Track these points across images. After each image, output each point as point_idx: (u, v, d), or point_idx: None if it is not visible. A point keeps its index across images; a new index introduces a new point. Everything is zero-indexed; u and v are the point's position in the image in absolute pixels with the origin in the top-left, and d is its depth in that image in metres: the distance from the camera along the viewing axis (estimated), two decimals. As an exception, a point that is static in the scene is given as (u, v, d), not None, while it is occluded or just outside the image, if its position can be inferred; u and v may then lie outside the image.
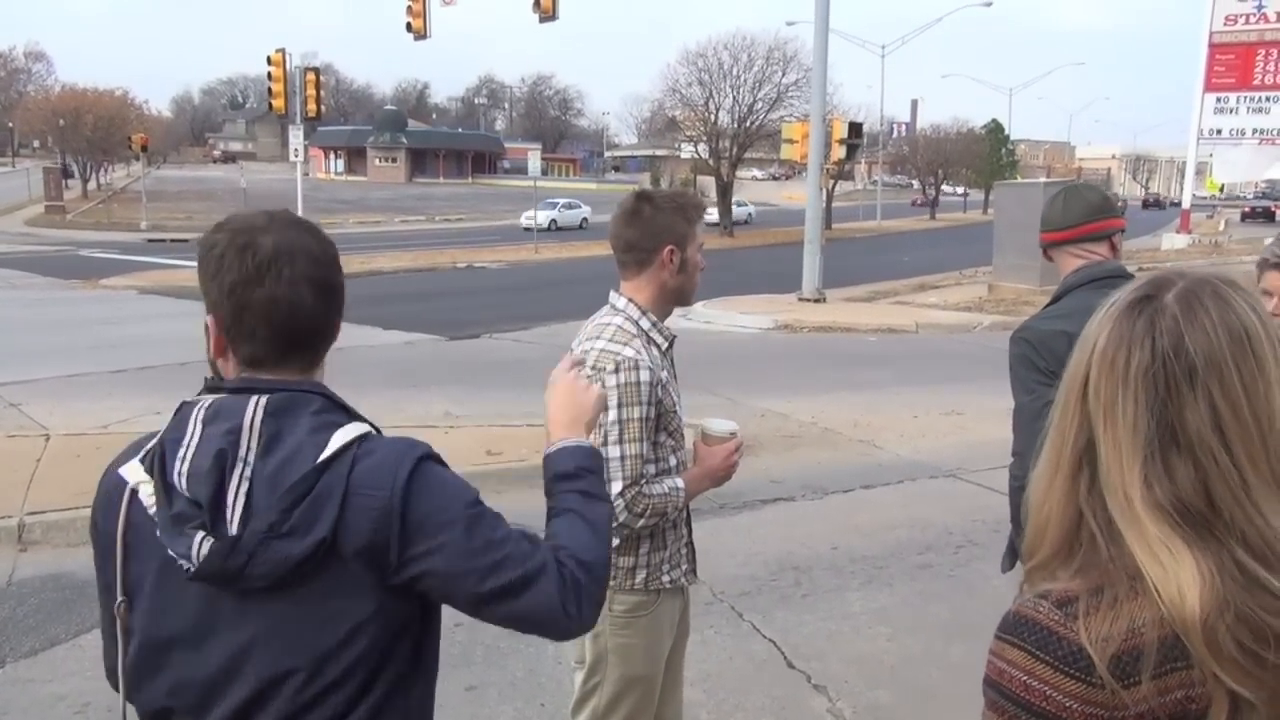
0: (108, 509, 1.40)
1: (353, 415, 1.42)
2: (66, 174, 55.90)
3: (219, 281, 1.38)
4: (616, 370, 2.35)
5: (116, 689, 1.44)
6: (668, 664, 2.63)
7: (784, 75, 37.01)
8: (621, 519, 2.35)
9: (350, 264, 25.51)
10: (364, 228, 42.91)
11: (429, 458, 1.39)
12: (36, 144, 72.97)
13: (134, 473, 1.37)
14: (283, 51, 25.26)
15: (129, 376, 10.95)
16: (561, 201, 48.05)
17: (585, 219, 46.35)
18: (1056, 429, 1.10)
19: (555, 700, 3.88)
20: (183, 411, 1.38)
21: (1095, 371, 1.07)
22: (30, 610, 4.76)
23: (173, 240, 36.64)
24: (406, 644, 1.40)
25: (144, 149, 43.30)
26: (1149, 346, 1.04)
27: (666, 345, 2.52)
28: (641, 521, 2.38)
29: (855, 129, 22.47)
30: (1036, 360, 2.53)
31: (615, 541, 2.42)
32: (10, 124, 78.36)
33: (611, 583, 2.44)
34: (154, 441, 1.38)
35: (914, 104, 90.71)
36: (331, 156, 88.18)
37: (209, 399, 1.38)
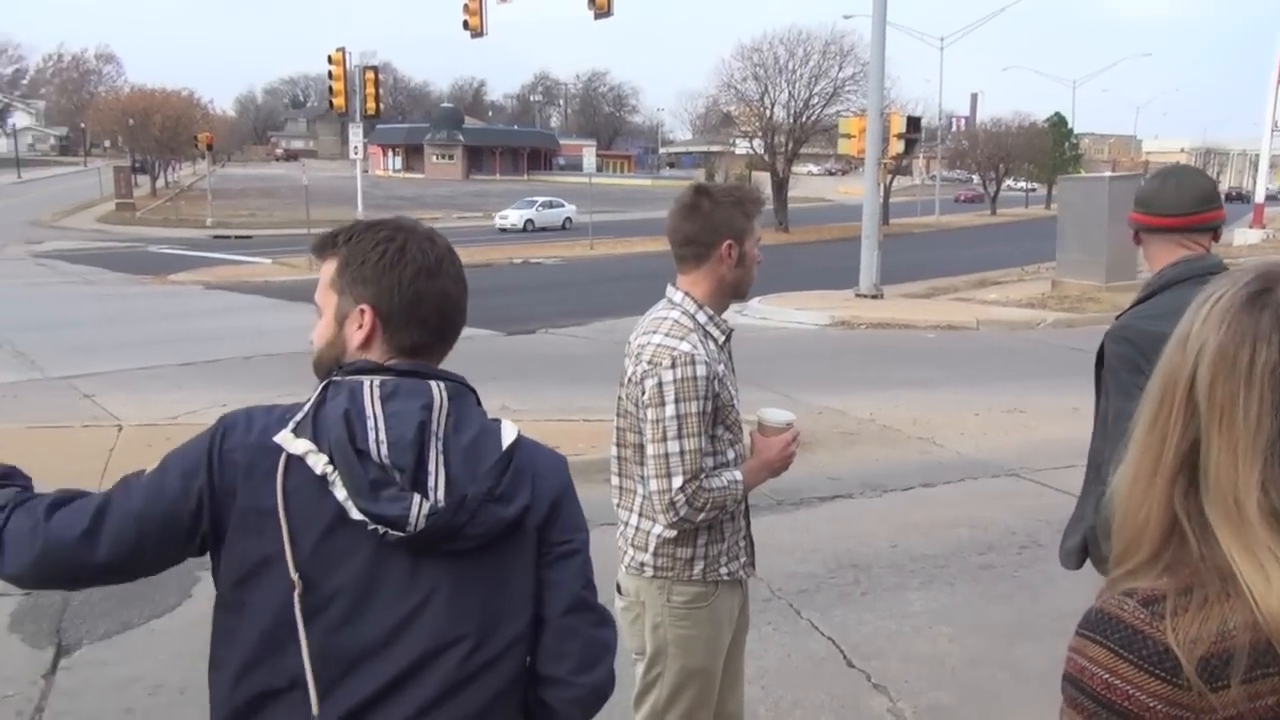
0: (249, 480, 1.40)
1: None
2: (137, 170, 57.40)
3: (397, 272, 1.49)
4: (673, 365, 2.34)
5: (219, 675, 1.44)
6: (728, 658, 2.62)
7: (841, 69, 36.69)
8: (682, 514, 2.35)
9: (408, 260, 25.76)
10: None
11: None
12: (107, 143, 75.11)
13: (294, 443, 1.39)
14: (343, 51, 25.69)
15: (196, 370, 11.23)
16: (540, 200, 45.11)
17: (569, 219, 43.29)
18: (1153, 430, 1.06)
19: (615, 690, 3.89)
20: (339, 388, 1.43)
21: (1208, 371, 1.02)
22: (105, 594, 4.90)
23: (236, 237, 37.49)
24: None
25: (209, 147, 44.41)
26: (1278, 343, 1.00)
27: (724, 338, 2.52)
28: (702, 516, 2.37)
29: (913, 123, 22.15)
30: (1140, 363, 2.38)
31: (673, 534, 2.42)
32: (83, 124, 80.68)
33: (669, 573, 2.45)
34: (301, 414, 1.41)
35: (974, 97, 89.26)
36: (390, 154, 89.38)
37: (376, 379, 1.44)
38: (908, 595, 5.02)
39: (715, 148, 65.82)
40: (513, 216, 41.50)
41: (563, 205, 44.61)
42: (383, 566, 1.40)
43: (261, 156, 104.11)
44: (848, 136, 21.46)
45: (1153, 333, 2.37)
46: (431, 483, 1.40)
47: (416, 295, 1.50)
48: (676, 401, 2.33)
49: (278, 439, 1.41)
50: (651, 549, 2.45)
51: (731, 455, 2.48)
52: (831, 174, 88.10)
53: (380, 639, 1.40)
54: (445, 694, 1.42)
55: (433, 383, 1.48)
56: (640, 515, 2.49)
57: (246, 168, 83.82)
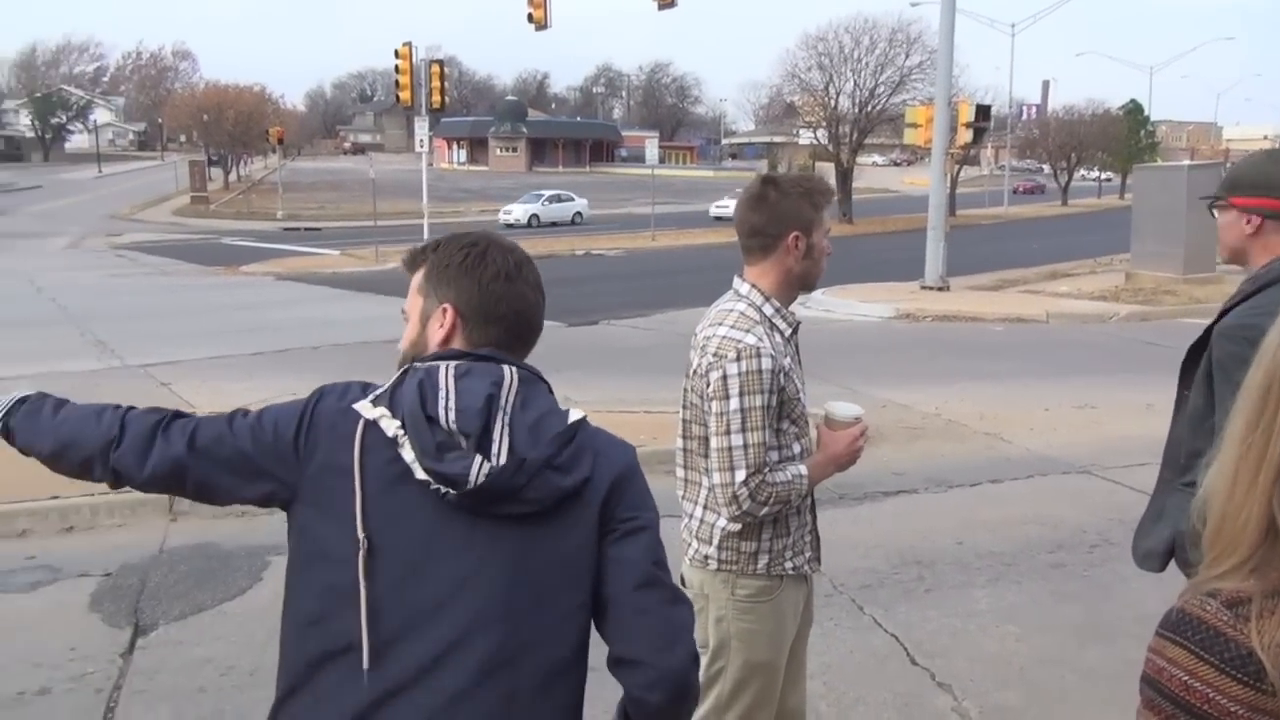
0: (330, 437, 1.51)
1: None
2: (213, 164, 58.80)
3: (477, 274, 1.61)
4: (738, 358, 2.32)
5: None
6: (791, 653, 2.60)
7: (907, 58, 36.15)
8: (745, 507, 2.33)
9: (472, 252, 26.07)
10: (486, 216, 43.80)
11: None
12: (183, 138, 77.24)
13: (370, 409, 1.51)
14: (409, 45, 26.03)
15: (267, 359, 11.50)
16: (547, 194, 43.16)
17: (579, 214, 41.60)
18: (1256, 430, 1.02)
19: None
20: (418, 371, 1.54)
21: None
22: (180, 577, 5.05)
23: (306, 229, 38.26)
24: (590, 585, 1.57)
25: (280, 142, 45.38)
26: None
27: (790, 331, 2.49)
28: (765, 509, 2.35)
29: (983, 112, 21.69)
30: None
31: (737, 527, 2.40)
32: (159, 120, 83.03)
33: (734, 567, 2.44)
34: (381, 389, 1.53)
35: (1045, 85, 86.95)
36: (454, 147, 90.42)
37: (450, 363, 1.55)
38: (973, 593, 4.93)
39: (778, 138, 65.35)
40: (516, 211, 40.21)
41: (572, 199, 42.83)
42: (442, 529, 1.47)
43: (330, 150, 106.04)
44: (914, 126, 21.11)
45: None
46: (495, 449, 1.47)
47: (495, 296, 1.60)
48: (741, 395, 2.31)
49: (356, 405, 1.52)
50: (716, 542, 2.44)
51: (797, 449, 2.45)
52: (897, 164, 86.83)
53: (435, 601, 1.45)
54: (497, 664, 1.44)
55: (505, 366, 1.56)
56: (704, 508, 2.47)
57: (316, 161, 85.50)
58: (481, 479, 1.43)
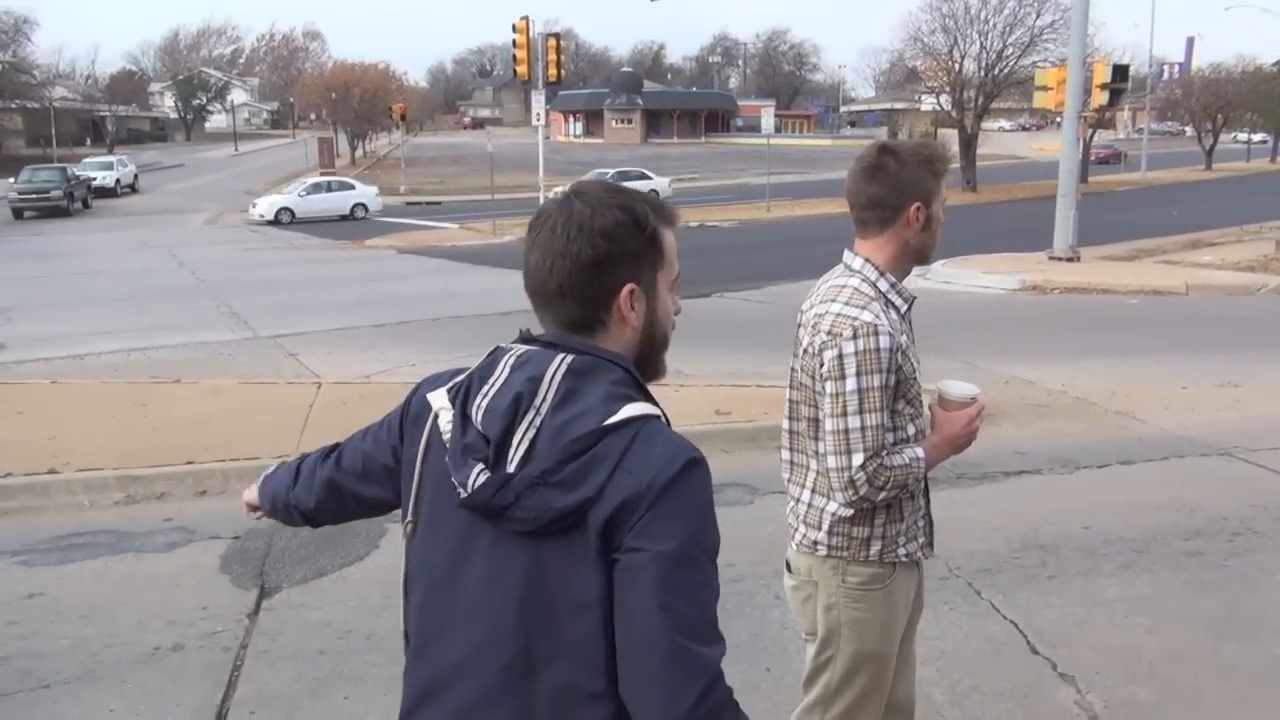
0: (413, 428, 1.52)
1: (648, 397, 1.43)
2: (358, 137, 60.31)
3: (525, 249, 1.51)
4: (854, 336, 2.22)
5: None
6: (901, 640, 2.51)
7: (1038, 17, 34.36)
8: (862, 493, 2.23)
9: (587, 224, 26.22)
10: (600, 189, 43.98)
11: (701, 464, 1.38)
12: (313, 116, 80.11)
13: (439, 400, 1.47)
14: (526, 19, 26.21)
15: (389, 330, 11.84)
16: (310, 182, 34.22)
17: (361, 205, 32.72)
18: None
19: (780, 665, 3.83)
20: (495, 354, 1.47)
21: None
22: (302, 542, 5.24)
23: (427, 203, 39.19)
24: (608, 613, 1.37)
25: (403, 118, 46.43)
26: None
27: (906, 308, 2.37)
28: (883, 495, 2.25)
29: (1120, 72, 20.48)
30: None
31: (850, 513, 2.31)
32: (291, 99, 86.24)
33: (845, 553, 2.35)
34: (464, 376, 1.48)
35: (1189, 41, 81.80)
36: (570, 120, 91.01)
37: (522, 348, 1.46)
38: (1101, 580, 4.69)
39: (899, 105, 63.44)
40: (261, 205, 31.79)
41: (351, 188, 34.19)
42: (472, 534, 1.41)
43: (451, 125, 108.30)
44: (1045, 89, 20.11)
45: None
46: (510, 455, 1.35)
47: (525, 268, 1.48)
48: (858, 375, 2.21)
49: (430, 395, 1.50)
50: (826, 527, 2.35)
51: (912, 430, 2.34)
52: (1025, 129, 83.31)
53: (464, 605, 1.41)
54: (514, 676, 1.36)
55: (560, 355, 1.40)
56: (813, 492, 2.39)
57: (437, 136, 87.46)
58: (473, 489, 1.35)
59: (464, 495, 1.35)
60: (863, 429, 2.21)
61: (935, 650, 3.99)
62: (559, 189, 1.58)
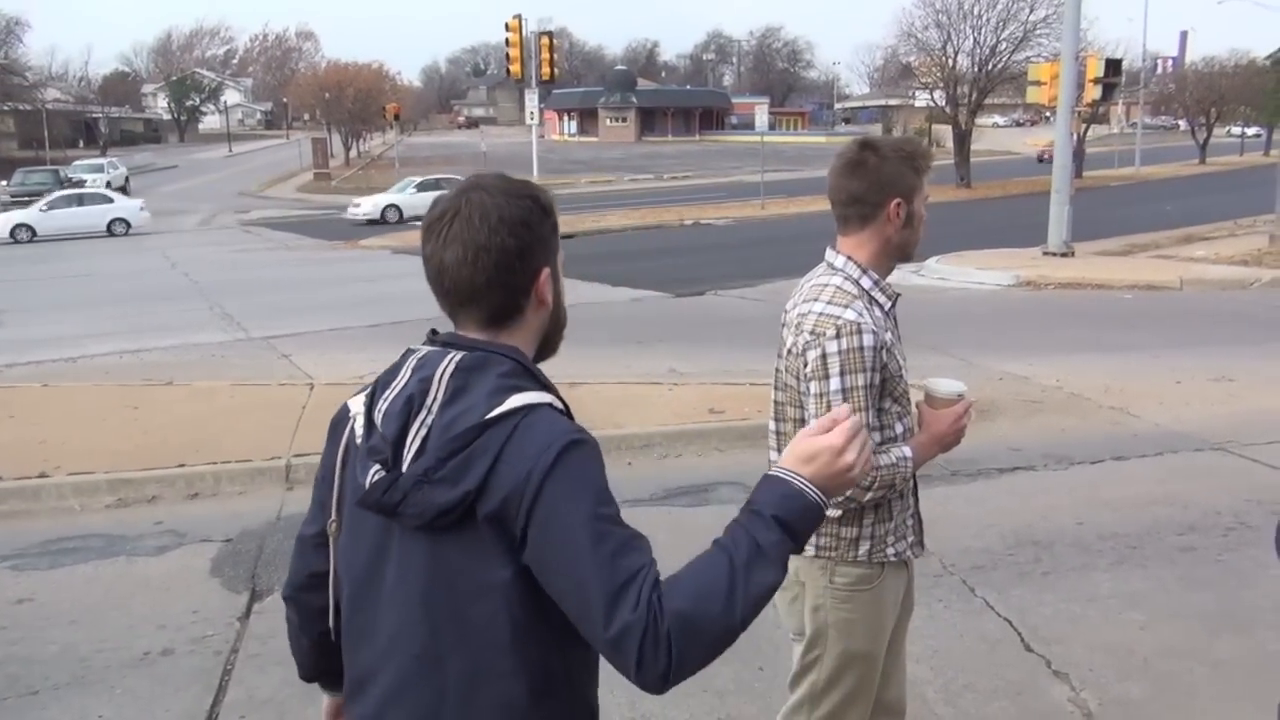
0: (334, 435, 1.56)
1: (541, 384, 1.46)
2: (351, 136, 60.19)
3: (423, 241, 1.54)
4: (838, 335, 2.20)
5: (286, 601, 1.72)
6: (890, 642, 2.49)
7: (1032, 12, 34.31)
8: (849, 493, 2.21)
9: (582, 222, 26.28)
10: (595, 187, 44.02)
11: (581, 444, 1.36)
12: (306, 117, 80.00)
13: (356, 404, 1.51)
14: (519, 18, 26.21)
15: (383, 331, 11.79)
16: (57, 194, 31.04)
17: (123, 221, 29.33)
18: None
19: (774, 665, 3.81)
20: (404, 356, 1.50)
21: None
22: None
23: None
24: (556, 616, 1.36)
25: (396, 117, 46.43)
26: None
27: (890, 305, 2.35)
28: (869, 495, 2.24)
29: (1113, 66, 20.52)
30: None
31: (837, 513, 2.29)
32: (284, 99, 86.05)
33: (833, 554, 2.33)
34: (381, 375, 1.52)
35: (1183, 36, 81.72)
36: (565, 118, 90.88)
37: (425, 349, 1.49)
38: (1095, 576, 4.68)
39: (893, 101, 63.48)
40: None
41: (109, 201, 30.63)
42: (386, 534, 1.45)
43: (445, 125, 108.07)
44: (1038, 84, 20.13)
45: None
46: (405, 455, 1.39)
47: (424, 261, 1.50)
48: (842, 374, 2.19)
49: (349, 401, 1.53)
50: None
51: (899, 429, 2.32)
52: (1019, 125, 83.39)
53: (381, 604, 1.46)
54: (426, 663, 1.42)
55: (450, 353, 1.44)
56: None
57: (431, 136, 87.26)
58: (363, 491, 1.40)
59: (361, 495, 1.41)
60: None
61: (929, 648, 3.98)
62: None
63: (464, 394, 1.39)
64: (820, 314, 2.24)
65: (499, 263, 1.43)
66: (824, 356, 2.20)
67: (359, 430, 1.47)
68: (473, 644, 1.39)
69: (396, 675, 1.44)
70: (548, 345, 1.57)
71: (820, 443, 1.43)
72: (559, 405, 1.43)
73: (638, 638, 1.26)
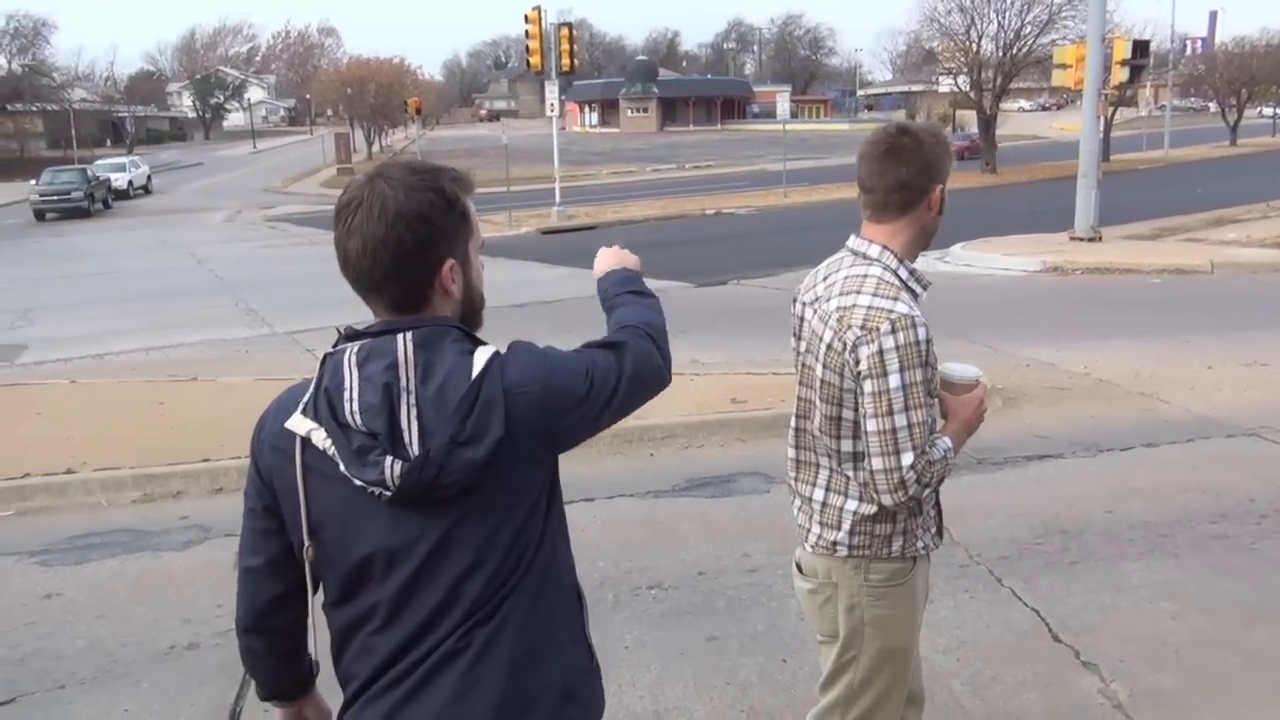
0: (279, 460, 1.51)
1: (481, 343, 1.54)
2: (374, 131, 60.63)
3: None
4: (893, 330, 2.10)
5: (249, 633, 1.71)
6: (910, 633, 2.45)
7: (1057, -6, 33.89)
8: (912, 492, 2.13)
9: (604, 213, 26.27)
10: (617, 178, 43.92)
11: (541, 346, 1.58)
12: (329, 112, 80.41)
13: (300, 424, 1.48)
14: (539, 9, 26.09)
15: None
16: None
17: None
18: None
19: (798, 657, 3.78)
20: (330, 361, 1.49)
21: None
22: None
23: (444, 196, 39.16)
24: (551, 489, 1.59)
25: (418, 111, 46.48)
26: None
27: (924, 294, 2.29)
28: (928, 491, 2.17)
29: (1140, 48, 20.17)
30: None
31: (871, 510, 2.23)
32: (307, 95, 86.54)
33: (866, 551, 2.28)
34: (308, 394, 1.49)
35: (1212, 16, 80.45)
36: (586, 110, 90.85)
37: (355, 345, 1.49)
38: (1124, 566, 4.60)
39: (916, 87, 62.94)
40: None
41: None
42: (404, 520, 1.45)
43: (466, 118, 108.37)
44: (1063, 67, 19.84)
45: None
46: (407, 439, 1.41)
47: (343, 256, 1.51)
48: (901, 370, 2.10)
49: (289, 424, 1.49)
50: (847, 527, 2.26)
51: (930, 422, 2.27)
52: (1045, 109, 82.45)
53: (409, 585, 1.47)
54: (472, 619, 1.48)
55: (400, 335, 1.46)
56: (828, 491, 2.30)
57: (453, 130, 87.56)
58: (398, 480, 1.40)
59: (391, 490, 1.41)
60: (909, 426, 2.10)
61: (955, 640, 3.93)
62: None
63: (435, 366, 1.44)
64: (869, 307, 2.15)
65: (396, 256, 1.46)
66: (880, 353, 2.11)
67: (324, 444, 1.44)
68: (526, 562, 1.50)
69: (446, 638, 1.47)
70: (467, 325, 1.58)
71: (615, 257, 2.02)
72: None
73: (645, 358, 1.66)
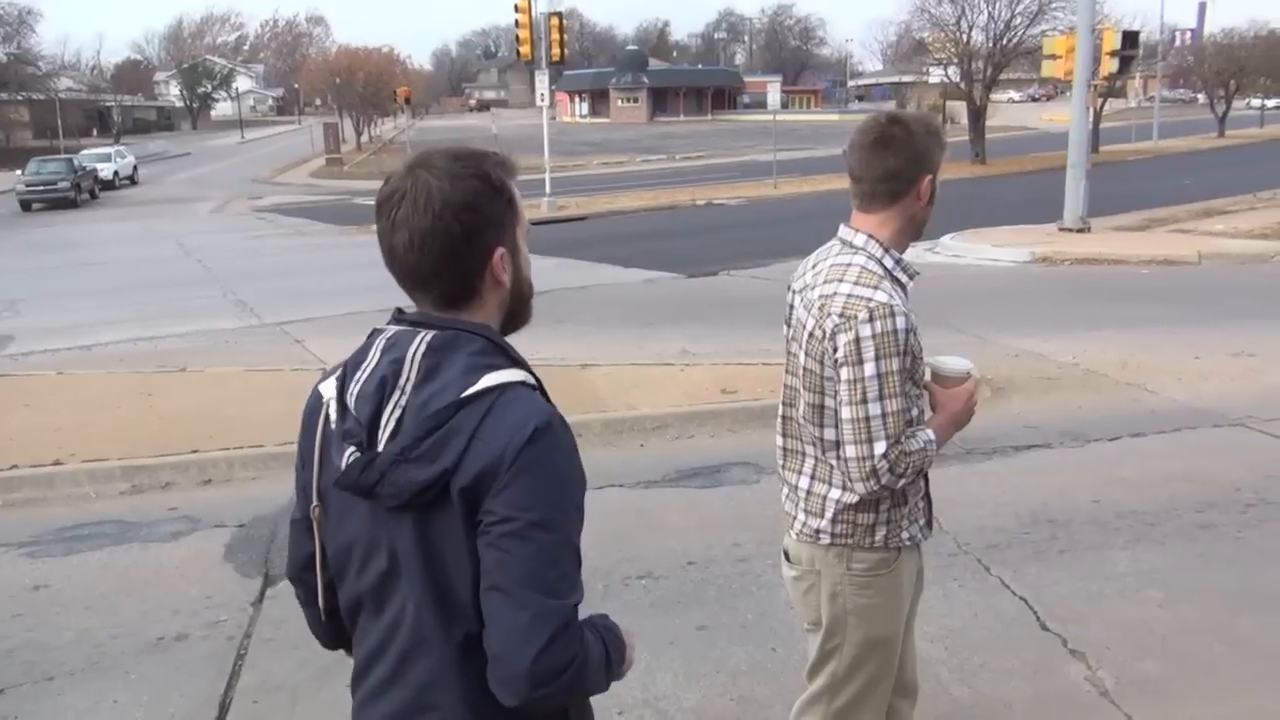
0: (309, 422, 1.54)
1: (515, 361, 1.45)
2: (363, 121, 60.45)
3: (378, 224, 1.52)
4: (871, 319, 2.11)
5: (292, 581, 1.70)
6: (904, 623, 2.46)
7: (1047, -15, 33.89)
8: (884, 481, 2.15)
9: (594, 204, 26.20)
10: (607, 168, 43.81)
11: (562, 428, 1.40)
12: (318, 102, 79.97)
13: (329, 389, 1.49)
14: (528, -1, 25.98)
15: (394, 315, 11.80)
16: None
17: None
18: None
19: (787, 646, 3.80)
20: (371, 338, 1.49)
21: None
22: (307, 529, 5.22)
23: (434, 187, 39.01)
24: None
25: (407, 101, 46.35)
26: None
27: (910, 284, 2.30)
28: (902, 482, 2.18)
29: (1129, 39, 20.20)
30: None
31: (854, 499, 2.25)
32: (295, 85, 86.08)
33: (849, 540, 2.29)
34: (343, 363, 1.51)
35: (1201, 7, 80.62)
36: (576, 100, 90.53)
37: (394, 329, 1.48)
38: (1112, 555, 4.63)
39: (907, 78, 62.89)
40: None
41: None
42: (377, 513, 1.43)
43: (456, 108, 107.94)
44: (1053, 57, 19.87)
45: None
46: (380, 436, 1.39)
47: (389, 250, 1.46)
48: (877, 359, 2.11)
49: (320, 385, 1.51)
50: (829, 515, 2.28)
51: (915, 412, 2.27)
52: (1035, 100, 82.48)
53: (384, 577, 1.45)
54: (407, 654, 1.44)
55: (422, 331, 1.43)
56: (813, 479, 2.32)
57: (443, 120, 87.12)
58: (339, 473, 1.40)
59: (337, 477, 1.41)
60: (884, 416, 2.12)
61: (944, 628, 3.95)
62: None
63: (437, 373, 1.39)
64: (849, 296, 2.16)
65: (445, 249, 1.42)
66: (857, 341, 2.12)
67: (333, 415, 1.46)
68: (464, 615, 1.40)
69: (399, 652, 1.46)
70: (515, 318, 1.55)
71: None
72: (532, 382, 1.43)
73: (551, 632, 1.34)
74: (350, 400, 1.43)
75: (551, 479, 1.37)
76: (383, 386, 1.40)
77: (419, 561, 1.41)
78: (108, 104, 73.05)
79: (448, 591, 1.40)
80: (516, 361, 1.45)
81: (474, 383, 1.37)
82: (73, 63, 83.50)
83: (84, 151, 44.12)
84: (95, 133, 66.64)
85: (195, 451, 6.31)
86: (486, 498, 1.34)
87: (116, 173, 41.66)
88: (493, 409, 1.36)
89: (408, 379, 1.40)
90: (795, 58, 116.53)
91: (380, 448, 1.38)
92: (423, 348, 1.41)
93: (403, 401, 1.39)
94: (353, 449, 1.39)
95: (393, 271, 1.47)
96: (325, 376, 1.52)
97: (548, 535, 1.35)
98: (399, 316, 1.50)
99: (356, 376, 1.44)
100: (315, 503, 1.52)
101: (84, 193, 35.08)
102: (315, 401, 1.52)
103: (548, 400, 1.45)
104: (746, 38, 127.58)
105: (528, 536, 1.34)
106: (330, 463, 1.46)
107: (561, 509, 1.38)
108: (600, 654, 1.45)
